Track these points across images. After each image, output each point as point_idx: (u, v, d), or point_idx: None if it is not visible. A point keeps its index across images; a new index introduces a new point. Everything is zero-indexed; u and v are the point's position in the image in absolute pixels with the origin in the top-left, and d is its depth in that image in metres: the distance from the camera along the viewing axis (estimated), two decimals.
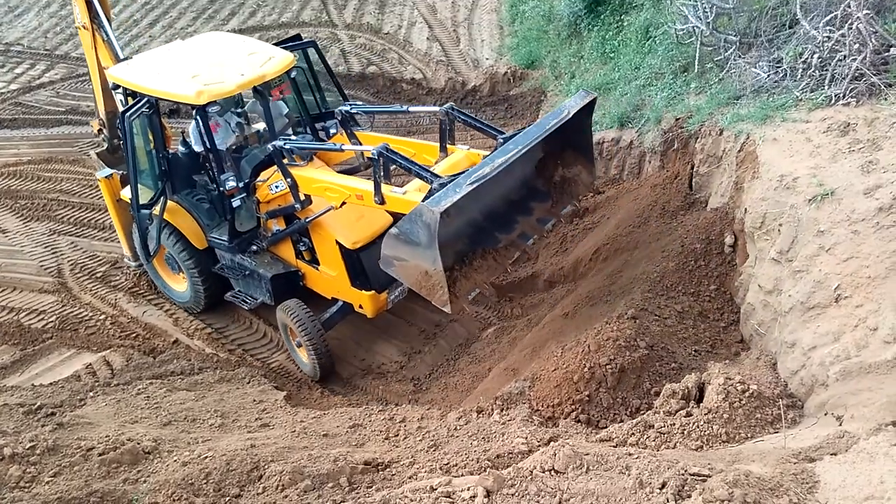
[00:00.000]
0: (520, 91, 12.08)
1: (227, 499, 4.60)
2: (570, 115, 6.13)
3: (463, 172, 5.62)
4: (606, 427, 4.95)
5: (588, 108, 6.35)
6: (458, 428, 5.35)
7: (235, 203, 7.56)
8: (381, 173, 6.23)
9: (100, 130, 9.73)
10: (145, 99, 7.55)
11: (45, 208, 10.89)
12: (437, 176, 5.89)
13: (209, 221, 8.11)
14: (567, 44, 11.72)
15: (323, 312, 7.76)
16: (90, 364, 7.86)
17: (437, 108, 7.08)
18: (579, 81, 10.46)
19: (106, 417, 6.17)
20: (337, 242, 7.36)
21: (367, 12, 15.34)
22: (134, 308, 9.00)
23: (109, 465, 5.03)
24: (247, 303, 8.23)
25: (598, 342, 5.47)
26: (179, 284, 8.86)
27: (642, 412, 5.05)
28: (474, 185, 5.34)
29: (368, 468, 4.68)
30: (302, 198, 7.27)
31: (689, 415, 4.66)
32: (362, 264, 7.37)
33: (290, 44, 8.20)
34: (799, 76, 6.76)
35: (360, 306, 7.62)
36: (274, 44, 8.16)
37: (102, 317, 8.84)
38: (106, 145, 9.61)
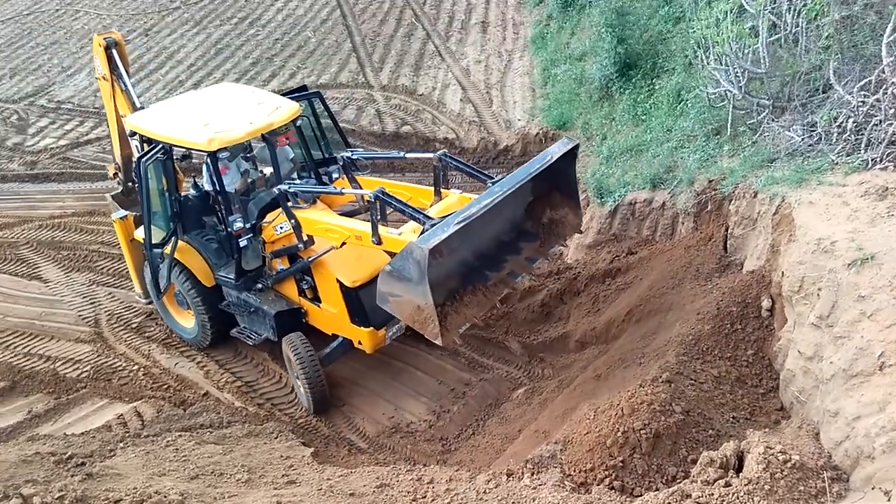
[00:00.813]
0: None
1: None
2: (553, 160, 6.59)
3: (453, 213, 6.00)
4: (641, 495, 4.79)
5: (572, 155, 6.82)
6: (488, 491, 5.22)
7: (242, 243, 7.90)
8: (378, 215, 6.65)
9: (115, 174, 10.22)
10: (160, 145, 7.97)
11: (86, 259, 11.18)
12: (429, 217, 6.27)
13: (217, 260, 8.47)
14: (598, 106, 11.88)
15: (323, 348, 8.02)
16: (121, 415, 7.91)
17: (431, 155, 7.50)
18: (611, 143, 10.55)
19: (134, 469, 6.16)
20: (337, 281, 7.66)
21: (402, 74, 15.78)
22: (167, 359, 9.10)
23: None
24: (251, 339, 8.55)
25: (632, 406, 5.35)
26: (187, 320, 9.18)
27: (679, 480, 4.88)
28: (461, 225, 5.76)
29: None
30: (305, 238, 7.65)
31: (728, 485, 4.49)
32: (361, 302, 7.64)
33: (297, 94, 8.67)
34: (834, 140, 6.74)
35: (360, 342, 7.92)
36: (281, 94, 8.59)
37: (136, 367, 8.95)
38: (121, 188, 10.09)
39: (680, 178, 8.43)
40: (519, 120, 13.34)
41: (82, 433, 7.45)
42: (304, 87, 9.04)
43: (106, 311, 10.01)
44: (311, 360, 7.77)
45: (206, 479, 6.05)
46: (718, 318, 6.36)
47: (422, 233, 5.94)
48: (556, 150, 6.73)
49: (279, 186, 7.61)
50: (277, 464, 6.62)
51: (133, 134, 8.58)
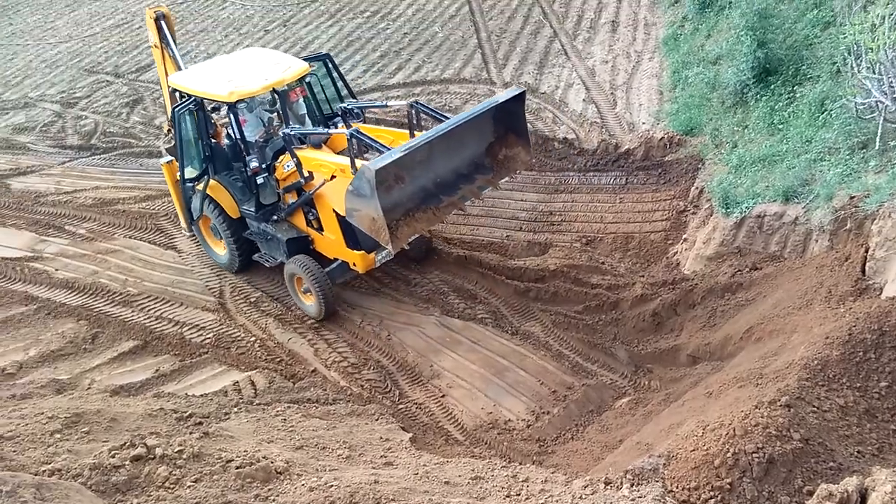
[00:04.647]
0: (675, 157, 11.73)
1: None
2: (499, 102, 8.16)
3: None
4: None
5: (521, 100, 8.36)
6: (584, 497, 5.12)
7: (260, 181, 9.47)
8: (355, 150, 8.16)
9: (169, 130, 11.32)
10: (191, 98, 9.49)
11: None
12: (388, 149, 7.66)
13: (242, 196, 9.96)
14: (731, 112, 11.30)
15: (326, 267, 9.39)
16: (237, 382, 8.38)
17: (404, 103, 9.16)
18: (741, 151, 10.01)
19: (245, 433, 6.52)
20: (334, 211, 8.89)
21: (525, 72, 15.67)
22: (281, 334, 9.55)
23: (244, 479, 5.28)
24: (268, 262, 10.05)
25: (746, 427, 5.07)
26: (220, 249, 10.77)
27: None
28: (406, 151, 7.35)
29: None
30: (306, 174, 9.10)
31: None
32: (353, 229, 8.61)
33: (310, 57, 10.32)
34: None
35: (354, 264, 9.30)
36: (301, 58, 10.14)
37: (252, 339, 9.46)
38: (174, 142, 11.05)
39: (817, 192, 7.89)
40: (643, 123, 12.91)
41: (202, 395, 7.98)
42: (321, 54, 10.58)
43: (230, 284, 10.63)
44: (321, 273, 9.17)
45: (309, 451, 6.31)
46: (850, 344, 5.90)
47: None
48: (503, 96, 8.25)
49: (283, 130, 9.15)
50: (377, 445, 6.80)
51: (174, 91, 10.14)
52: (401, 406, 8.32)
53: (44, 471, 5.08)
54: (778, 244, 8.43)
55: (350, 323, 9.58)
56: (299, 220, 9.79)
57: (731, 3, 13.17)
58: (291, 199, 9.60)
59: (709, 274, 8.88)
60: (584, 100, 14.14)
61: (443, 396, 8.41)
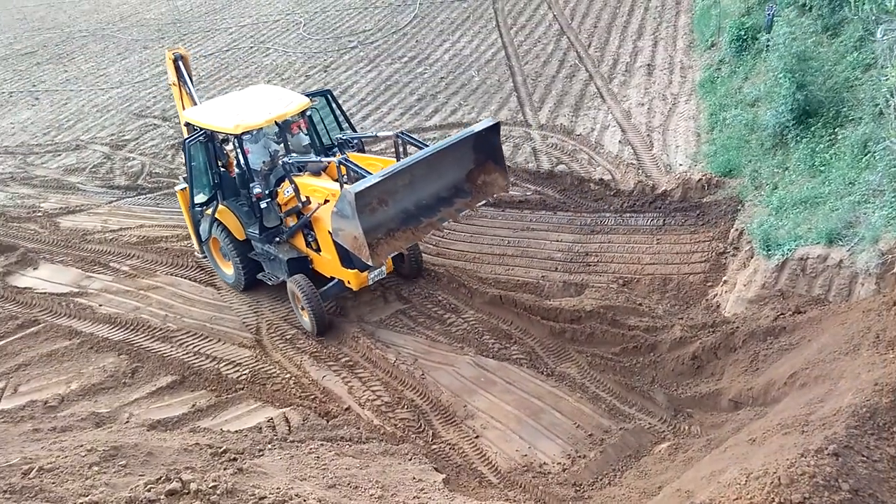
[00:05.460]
0: (714, 199, 11.63)
1: None
2: (474, 133, 8.80)
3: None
4: None
5: (496, 131, 9.04)
6: None
7: (263, 206, 10.17)
8: (345, 177, 8.93)
9: None
10: (201, 131, 10.30)
11: None
12: (371, 175, 8.27)
13: (247, 220, 10.70)
14: (770, 154, 11.20)
15: (323, 287, 10.10)
16: (272, 418, 8.41)
17: (391, 133, 9.94)
18: (782, 193, 9.88)
19: (279, 470, 6.51)
20: (329, 233, 9.12)
21: (561, 114, 15.80)
22: (315, 371, 9.58)
23: None
24: (271, 280, 10.78)
25: (791, 476, 4.89)
26: (228, 268, 11.44)
27: None
28: (385, 176, 8.01)
29: None
30: (303, 199, 9.81)
31: None
32: (347, 249, 8.92)
33: (312, 93, 10.97)
34: None
35: (349, 282, 9.93)
36: (304, 94, 10.82)
37: (288, 376, 9.50)
38: None
39: (862, 234, 7.72)
40: (680, 165, 12.86)
41: (236, 431, 8.02)
42: (322, 91, 11.22)
43: (266, 321, 10.76)
44: (314, 292, 9.81)
45: (342, 490, 6.26)
46: None
47: None
48: (478, 126, 8.85)
49: (283, 159, 9.99)
50: (409, 485, 6.72)
51: (187, 125, 10.97)
52: (434, 446, 8.23)
53: (81, 503, 5.13)
54: (822, 287, 8.23)
55: (384, 361, 9.58)
56: (299, 242, 10.47)
57: (768, 46, 13.16)
58: (292, 222, 10.26)
59: (750, 317, 8.69)
60: (620, 141, 14.17)
61: (477, 437, 8.30)
